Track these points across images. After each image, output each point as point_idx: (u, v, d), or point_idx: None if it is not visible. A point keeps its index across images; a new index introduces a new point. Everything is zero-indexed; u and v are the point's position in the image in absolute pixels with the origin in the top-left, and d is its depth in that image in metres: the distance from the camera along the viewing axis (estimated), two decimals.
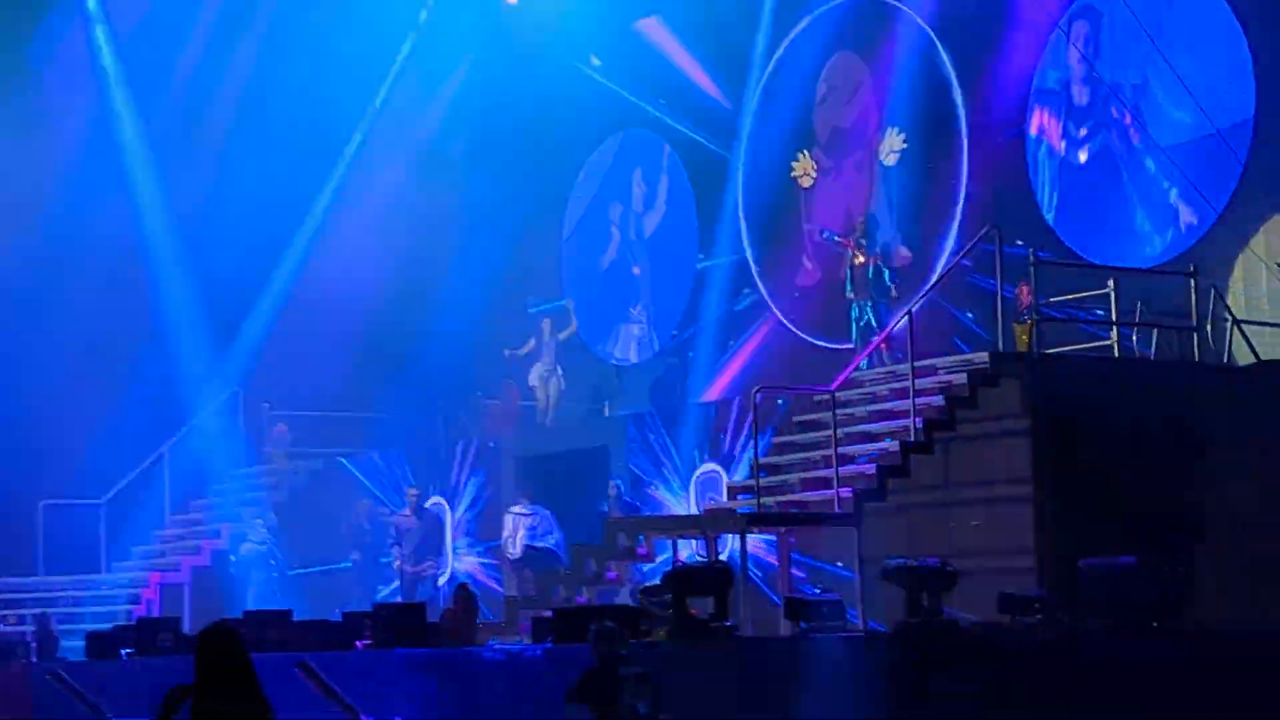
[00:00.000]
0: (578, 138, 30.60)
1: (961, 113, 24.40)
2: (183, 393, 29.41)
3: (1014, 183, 23.54)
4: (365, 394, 29.46)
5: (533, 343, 27.86)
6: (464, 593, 17.29)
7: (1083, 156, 23.03)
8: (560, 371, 27.59)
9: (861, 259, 21.83)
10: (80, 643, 20.86)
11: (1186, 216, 21.59)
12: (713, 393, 25.88)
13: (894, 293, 21.76)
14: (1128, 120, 22.31)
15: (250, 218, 29.67)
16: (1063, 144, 23.24)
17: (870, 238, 22.07)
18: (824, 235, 24.04)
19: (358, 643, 16.78)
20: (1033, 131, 23.55)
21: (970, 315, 22.82)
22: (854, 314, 21.94)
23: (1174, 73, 21.07)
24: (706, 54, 28.22)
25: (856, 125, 26.23)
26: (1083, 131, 22.99)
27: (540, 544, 23.01)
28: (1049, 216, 23.09)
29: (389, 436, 29.04)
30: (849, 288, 22.11)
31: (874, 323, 21.25)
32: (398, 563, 24.66)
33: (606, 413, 27.66)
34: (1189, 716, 13.56)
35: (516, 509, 23.70)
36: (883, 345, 20.19)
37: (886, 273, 22.00)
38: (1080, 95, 22.99)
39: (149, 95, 30.30)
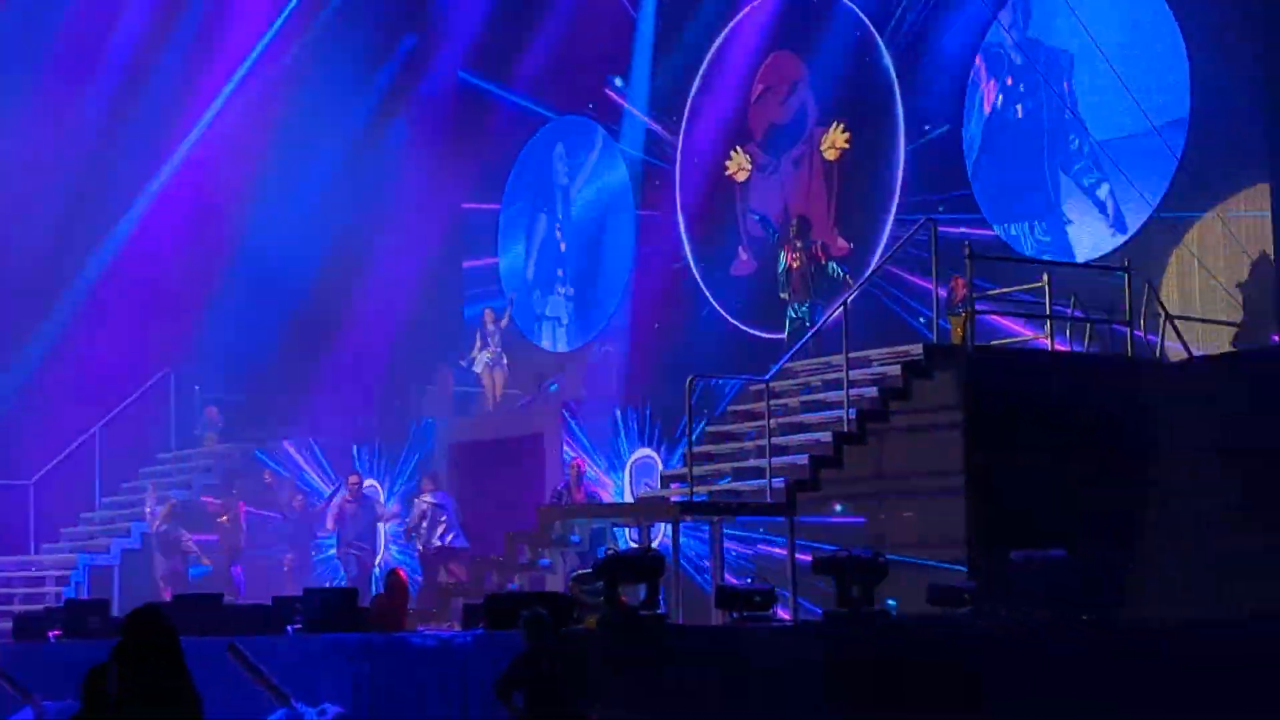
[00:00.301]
0: (513, 123, 30.55)
1: (900, 104, 24.47)
2: (113, 374, 29.20)
3: (952, 174, 23.61)
4: (298, 378, 29.35)
5: (479, 341, 27.86)
6: (395, 579, 17.23)
7: (1014, 128, 23.14)
8: (505, 360, 27.55)
9: (797, 263, 21.64)
10: (8, 624, 20.68)
11: (1119, 211, 21.72)
12: (647, 380, 25.87)
13: (844, 278, 21.59)
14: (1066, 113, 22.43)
15: (186, 197, 29.58)
16: (1004, 124, 23.33)
17: (804, 238, 21.95)
18: (759, 219, 23.89)
19: (288, 627, 16.69)
20: (975, 112, 23.62)
21: (906, 307, 22.89)
22: (789, 313, 21.83)
23: (1113, 70, 21.18)
24: (643, 47, 28.18)
25: (794, 121, 26.29)
26: (1030, 116, 23.10)
27: (452, 544, 23.12)
28: (987, 200, 23.18)
29: (321, 421, 28.94)
30: (783, 289, 21.94)
31: (809, 322, 21.16)
32: (338, 549, 24.49)
33: (538, 398, 27.63)
34: (1114, 709, 13.64)
35: (426, 497, 23.71)
36: (809, 342, 20.17)
37: (832, 264, 21.84)
38: (1023, 80, 23.08)
39: (84, 76, 30.08)
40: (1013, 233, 22.96)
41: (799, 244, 21.64)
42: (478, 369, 27.55)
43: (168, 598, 22.74)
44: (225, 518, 25.95)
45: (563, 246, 29.99)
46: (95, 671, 7.85)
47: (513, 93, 30.42)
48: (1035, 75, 22.30)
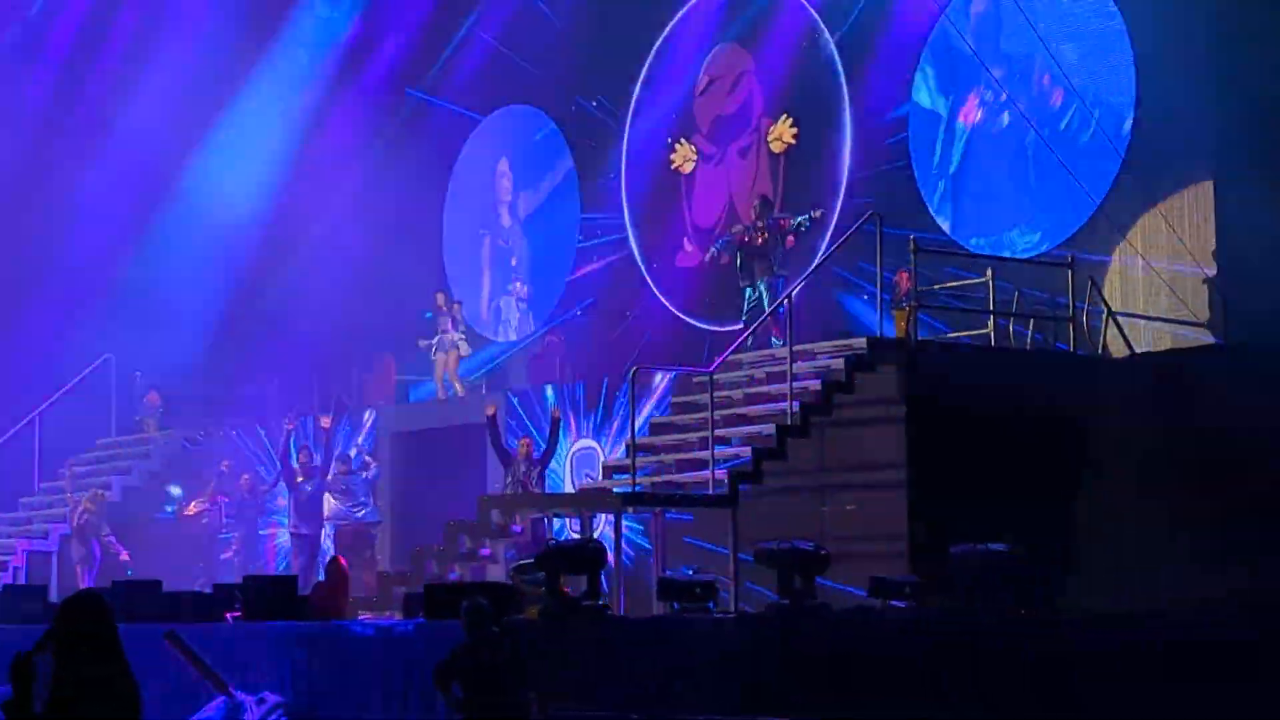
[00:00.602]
0: (463, 111, 30.48)
1: (846, 96, 24.50)
2: (54, 359, 29.02)
3: (898, 167, 23.65)
4: (239, 365, 29.25)
5: (439, 332, 27.85)
6: (336, 567, 17.18)
7: (969, 131, 23.18)
8: (462, 338, 27.42)
9: (762, 239, 21.51)
10: None
11: (1062, 207, 21.80)
12: (591, 371, 25.83)
13: (812, 217, 21.39)
14: (1008, 100, 22.49)
15: (128, 181, 29.44)
16: (950, 118, 23.36)
17: (766, 217, 21.84)
18: (716, 248, 23.39)
19: (228, 615, 16.63)
20: (922, 106, 23.65)
21: (851, 301, 22.93)
22: (747, 294, 21.64)
23: (1059, 66, 21.25)
24: (590, 39, 28.12)
25: (740, 112, 26.30)
26: (975, 110, 23.14)
27: (351, 520, 23.00)
28: (934, 196, 23.22)
29: (262, 408, 28.84)
30: (741, 272, 21.76)
31: (765, 302, 21.03)
32: (291, 530, 24.18)
33: (484, 389, 27.57)
34: (1050, 700, 13.71)
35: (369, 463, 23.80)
36: (774, 330, 20.14)
37: (799, 219, 21.53)
38: (969, 73, 23.12)
39: (25, 60, 29.91)
40: (966, 228, 23.00)
41: (760, 223, 21.50)
42: (434, 355, 27.47)
43: (87, 583, 22.68)
44: (194, 508, 25.87)
45: (514, 261, 29.90)
46: (22, 658, 7.76)
47: (446, 99, 30.39)
48: (982, 70, 22.33)
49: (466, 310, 29.31)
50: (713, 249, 22.71)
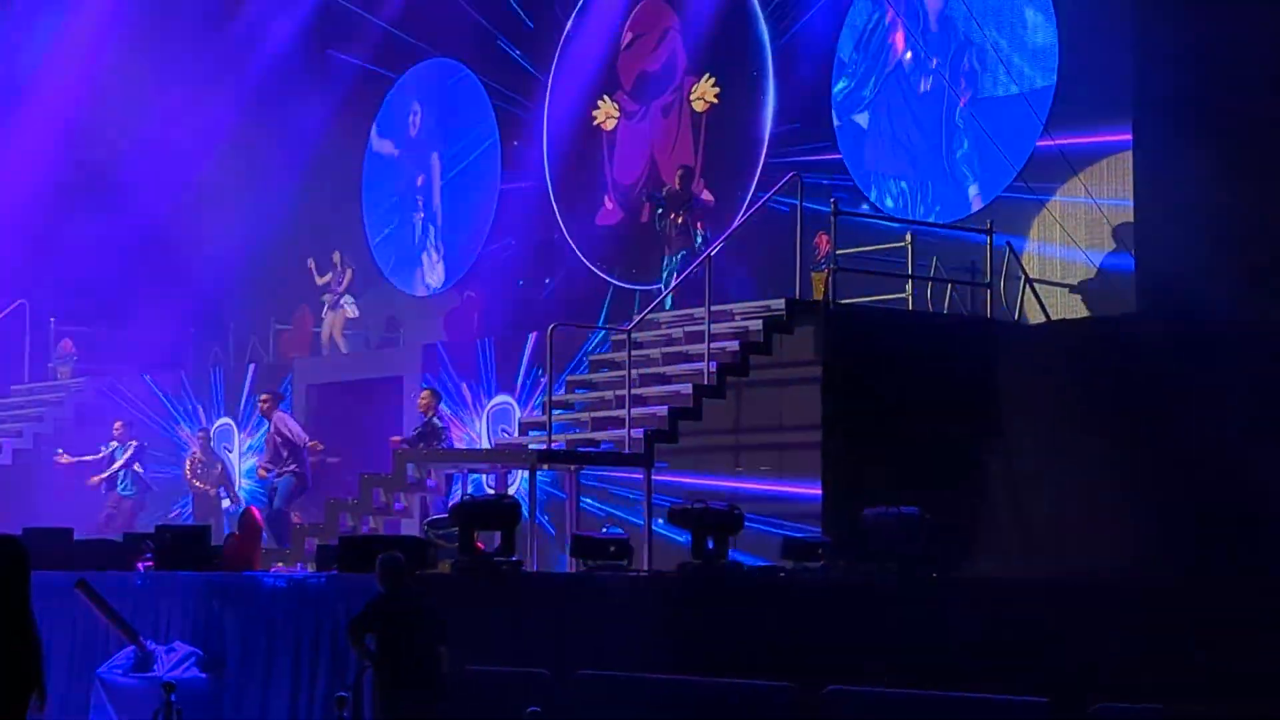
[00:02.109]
0: (382, 62, 30.33)
1: (769, 56, 24.50)
2: None
3: (819, 128, 23.68)
4: (154, 311, 29.05)
5: (330, 276, 27.76)
6: (249, 518, 17.10)
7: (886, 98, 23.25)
8: (351, 300, 27.41)
9: (681, 218, 21.56)
10: None
11: (983, 174, 21.90)
12: (508, 326, 25.80)
13: (699, 239, 21.61)
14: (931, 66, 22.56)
15: (43, 123, 29.19)
16: (874, 80, 23.40)
17: (685, 187, 21.88)
18: (647, 197, 23.51)
19: (139, 564, 16.53)
20: (844, 66, 23.69)
21: (770, 262, 22.96)
22: (664, 264, 21.80)
23: (981, 32, 21.33)
24: None
25: (664, 69, 26.25)
26: (899, 72, 23.19)
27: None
28: (855, 159, 23.28)
29: (175, 357, 28.69)
30: (665, 244, 21.85)
31: (677, 272, 21.14)
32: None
33: (401, 343, 27.52)
34: (958, 662, 13.83)
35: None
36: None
37: (696, 232, 21.74)
38: (894, 39, 23.16)
39: None
40: (886, 193, 23.07)
41: (684, 196, 21.51)
42: (324, 314, 27.49)
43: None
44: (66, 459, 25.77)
45: (436, 214, 29.79)
46: None
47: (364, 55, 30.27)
48: (909, 33, 22.38)
49: (385, 262, 29.27)
50: (646, 196, 22.80)
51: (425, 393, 20.93)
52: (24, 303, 29.06)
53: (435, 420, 20.37)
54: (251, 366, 26.82)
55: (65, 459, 25.77)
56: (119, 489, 24.70)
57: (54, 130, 29.51)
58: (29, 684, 7.78)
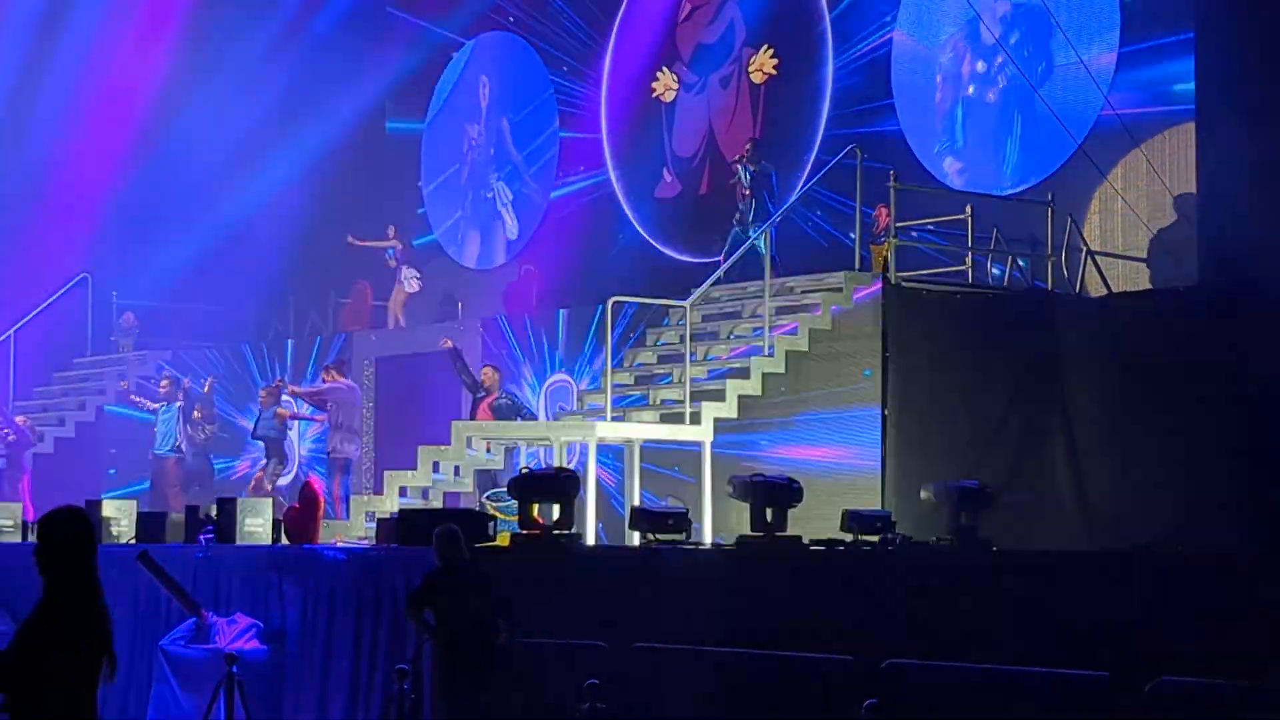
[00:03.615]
0: (440, 36, 30.35)
1: (828, 27, 24.39)
2: (30, 277, 28.92)
3: (879, 99, 23.57)
4: (215, 285, 29.20)
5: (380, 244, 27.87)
6: (309, 490, 17.15)
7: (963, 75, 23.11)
8: (414, 275, 27.45)
9: (749, 190, 21.35)
10: None
11: (1042, 145, 21.76)
12: (566, 300, 25.81)
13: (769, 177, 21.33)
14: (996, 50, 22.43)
15: (106, 100, 29.34)
16: (933, 53, 23.28)
17: (755, 160, 21.61)
18: (736, 162, 23.18)
19: (201, 536, 16.62)
20: (905, 40, 23.56)
21: (829, 235, 22.89)
22: (731, 238, 21.55)
23: (1044, 4, 21.18)
24: None
25: (722, 41, 26.17)
26: (958, 45, 23.05)
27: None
28: (917, 131, 23.15)
29: (238, 330, 28.81)
30: (737, 219, 21.61)
31: (745, 239, 20.87)
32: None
33: (460, 316, 27.55)
34: (1017, 636, 13.78)
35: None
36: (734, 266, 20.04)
37: (767, 195, 21.52)
38: (954, 11, 23.02)
39: None
40: (946, 164, 22.95)
41: (751, 169, 21.33)
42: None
43: None
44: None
45: (493, 189, 29.79)
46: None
47: (429, 19, 30.25)
48: (967, 6, 22.23)
49: (443, 235, 29.33)
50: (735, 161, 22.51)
51: (487, 369, 20.99)
52: (86, 276, 29.25)
53: (500, 395, 20.46)
54: (318, 340, 26.92)
55: (124, 385, 26.14)
56: (155, 447, 24.78)
57: (114, 104, 29.65)
58: (101, 652, 7.85)
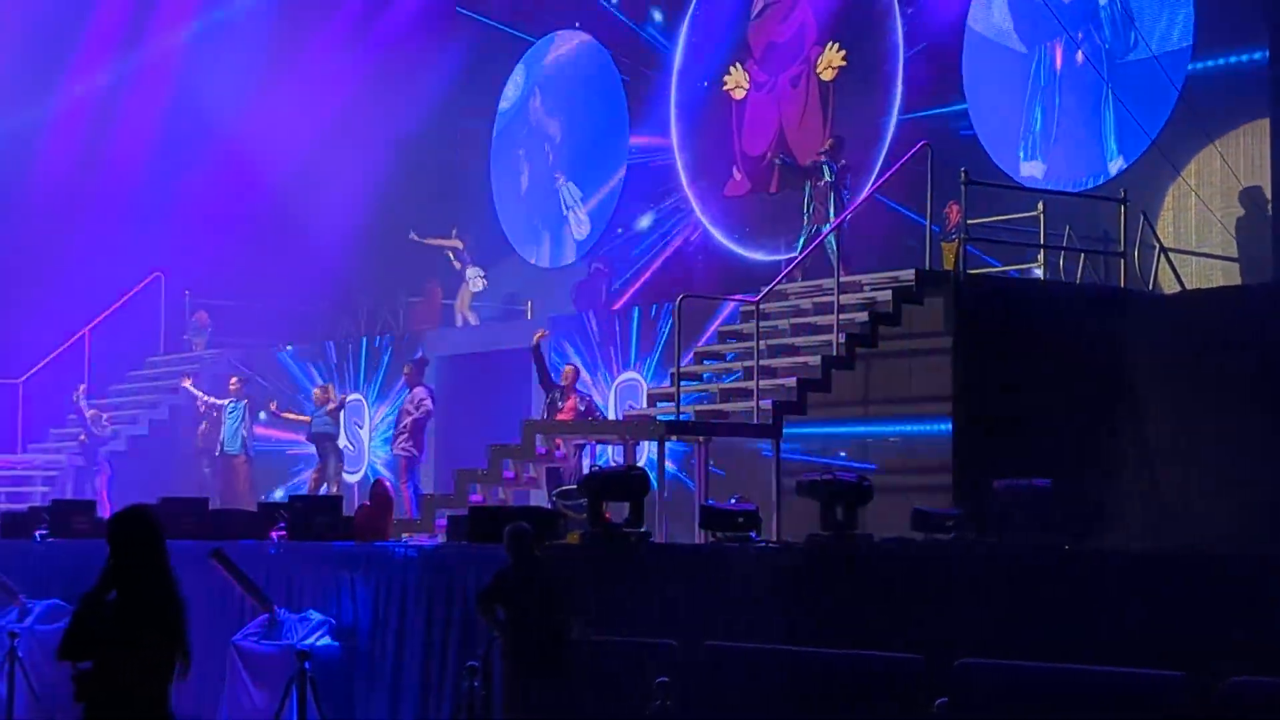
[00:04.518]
0: (509, 35, 30.43)
1: (898, 23, 24.32)
2: (105, 276, 29.17)
3: (949, 96, 23.49)
4: (287, 284, 29.36)
5: (450, 252, 27.95)
6: (380, 489, 17.24)
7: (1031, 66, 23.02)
8: (478, 273, 27.53)
9: (824, 180, 21.18)
10: None
11: (1118, 141, 21.64)
12: (636, 299, 25.83)
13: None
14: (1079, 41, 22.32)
15: (176, 98, 29.58)
16: (1005, 47, 23.17)
17: (839, 157, 21.37)
18: (780, 162, 23.27)
19: (273, 533, 16.73)
20: (976, 34, 23.43)
21: (899, 232, 22.81)
22: (804, 234, 21.42)
23: (1118, 2, 21.07)
24: None
25: (793, 40, 26.12)
26: (1031, 40, 22.93)
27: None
28: (987, 128, 23.05)
29: (308, 330, 28.96)
30: (806, 215, 21.46)
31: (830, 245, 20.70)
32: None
33: (529, 315, 27.62)
34: (1091, 635, 13.70)
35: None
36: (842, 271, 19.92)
37: (845, 193, 21.38)
38: (1025, 6, 22.91)
39: None
40: (1018, 161, 22.84)
41: (831, 164, 21.10)
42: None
43: None
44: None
45: (560, 185, 29.83)
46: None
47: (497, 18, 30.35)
48: (1039, 1, 22.12)
49: (513, 234, 29.38)
50: (778, 160, 22.43)
51: (568, 368, 21.03)
52: (160, 275, 29.48)
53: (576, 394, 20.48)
54: (390, 339, 27.04)
55: (187, 381, 26.34)
56: (225, 447, 24.96)
57: (187, 104, 29.85)
58: (174, 649, 7.92)
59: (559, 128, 29.98)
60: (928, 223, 18.47)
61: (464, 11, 30.61)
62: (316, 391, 24.21)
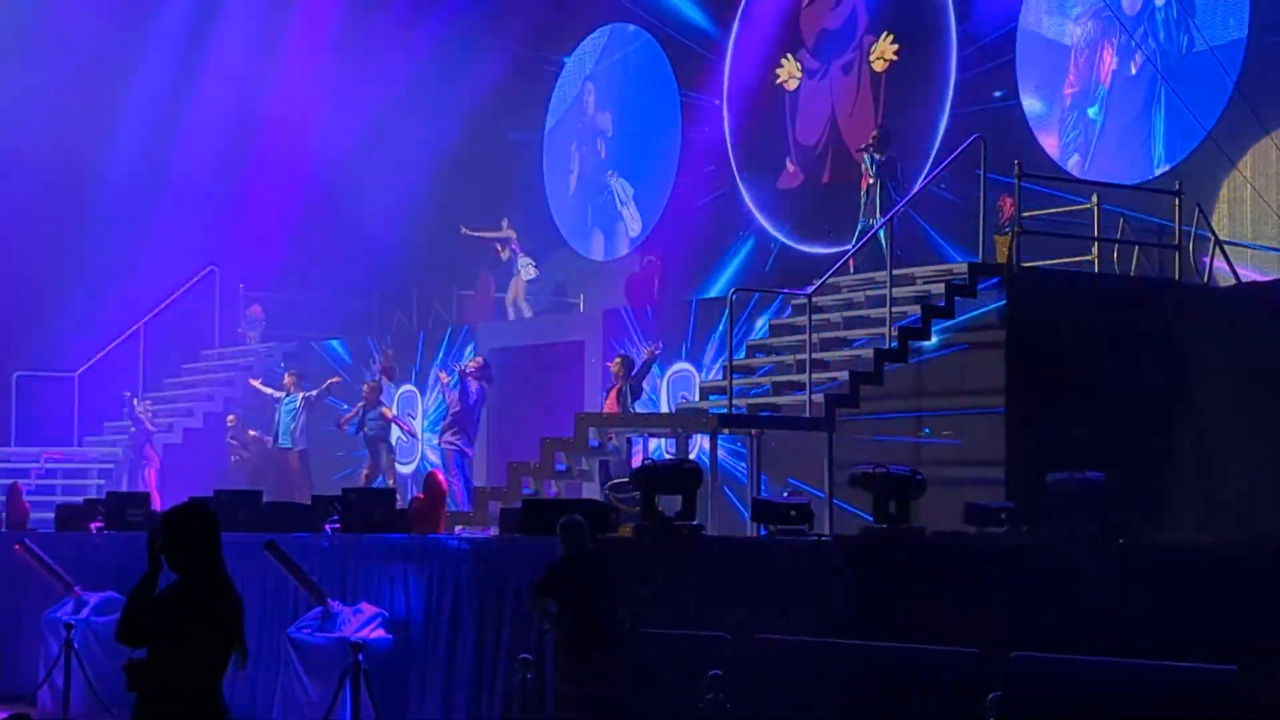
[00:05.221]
0: (561, 29, 30.46)
1: (951, 14, 24.24)
2: (160, 270, 29.34)
3: (1002, 88, 23.40)
4: (339, 278, 29.48)
5: (498, 244, 27.97)
6: (433, 481, 17.29)
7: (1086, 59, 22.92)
8: (530, 263, 27.55)
9: (872, 178, 21.06)
10: (50, 515, 20.86)
11: (1171, 133, 21.52)
12: (687, 292, 25.82)
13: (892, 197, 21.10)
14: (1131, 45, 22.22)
15: (232, 94, 29.73)
16: (1057, 39, 23.07)
17: (883, 149, 21.23)
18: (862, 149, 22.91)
19: (326, 526, 16.79)
20: (1029, 27, 23.34)
21: (953, 225, 22.74)
22: (858, 228, 21.27)
23: None
24: None
25: (844, 27, 26.03)
26: (1083, 32, 22.82)
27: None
28: (1040, 119, 22.96)
29: (362, 322, 29.06)
30: (861, 209, 21.32)
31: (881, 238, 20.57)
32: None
33: (582, 308, 27.64)
34: (1141, 628, 13.66)
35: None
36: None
37: (893, 184, 21.23)
38: (1079, 7, 22.83)
39: None
40: (1072, 153, 22.74)
41: (878, 157, 20.99)
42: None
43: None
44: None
45: (612, 178, 29.84)
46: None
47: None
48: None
49: (566, 228, 29.40)
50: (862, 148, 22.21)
51: (617, 360, 21.05)
52: (214, 269, 29.64)
53: (625, 387, 20.48)
54: (447, 330, 27.10)
55: (256, 382, 26.48)
56: (280, 440, 25.02)
57: (239, 99, 30.00)
58: (231, 641, 7.96)
59: (611, 121, 29.98)
60: (981, 215, 18.40)
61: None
62: (366, 388, 24.17)
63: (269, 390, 26.06)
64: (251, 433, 26.19)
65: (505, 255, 28.05)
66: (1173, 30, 21.44)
